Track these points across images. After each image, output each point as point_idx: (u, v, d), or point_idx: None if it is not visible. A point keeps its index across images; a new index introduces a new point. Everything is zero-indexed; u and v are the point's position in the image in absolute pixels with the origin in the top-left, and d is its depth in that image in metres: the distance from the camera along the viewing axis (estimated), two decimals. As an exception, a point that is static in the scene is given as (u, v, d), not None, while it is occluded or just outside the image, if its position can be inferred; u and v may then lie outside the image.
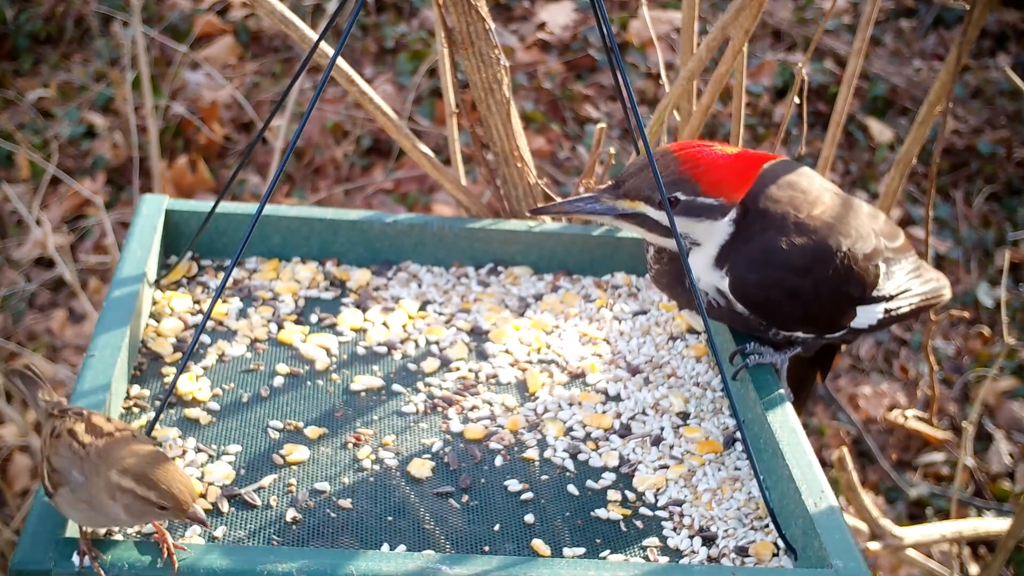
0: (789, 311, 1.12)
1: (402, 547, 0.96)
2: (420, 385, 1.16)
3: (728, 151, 1.10)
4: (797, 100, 1.33)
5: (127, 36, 2.97)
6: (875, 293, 1.15)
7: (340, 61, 1.25)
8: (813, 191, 1.13)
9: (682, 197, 1.08)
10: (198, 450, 1.05)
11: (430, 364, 1.18)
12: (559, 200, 1.13)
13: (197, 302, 1.23)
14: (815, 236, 1.10)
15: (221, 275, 1.28)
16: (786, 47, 3.18)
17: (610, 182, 1.11)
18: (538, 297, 1.30)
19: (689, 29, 1.33)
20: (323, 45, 1.23)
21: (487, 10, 1.25)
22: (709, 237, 1.11)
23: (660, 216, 1.08)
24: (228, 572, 0.85)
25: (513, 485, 1.04)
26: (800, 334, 1.15)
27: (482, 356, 1.21)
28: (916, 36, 3.24)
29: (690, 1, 1.32)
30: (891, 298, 1.17)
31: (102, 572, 0.85)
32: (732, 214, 1.09)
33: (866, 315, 1.16)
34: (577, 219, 1.23)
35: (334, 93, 2.99)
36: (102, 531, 0.89)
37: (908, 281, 1.19)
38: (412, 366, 1.18)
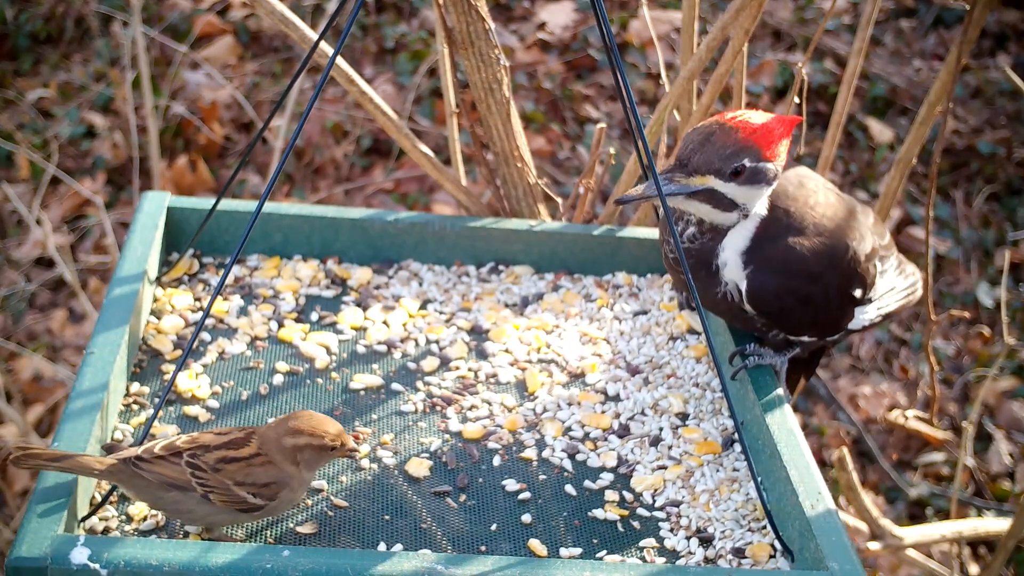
0: (800, 317, 1.12)
1: (399, 546, 0.96)
2: (419, 384, 1.16)
3: (763, 115, 1.07)
4: (797, 100, 1.33)
5: (127, 36, 2.97)
6: (871, 293, 1.15)
7: (340, 61, 1.25)
8: (819, 192, 1.12)
9: (748, 164, 1.06)
10: (197, 449, 1.05)
11: (430, 363, 1.18)
12: (634, 191, 1.07)
13: (198, 299, 1.23)
14: (828, 240, 1.10)
15: (222, 272, 1.28)
16: (786, 47, 3.18)
17: (674, 161, 1.08)
18: (539, 296, 1.30)
19: (689, 29, 1.33)
20: (323, 45, 1.23)
21: (487, 10, 1.25)
22: (754, 201, 1.08)
23: (727, 188, 1.06)
24: (225, 570, 0.85)
25: (511, 485, 1.04)
26: (806, 338, 1.15)
27: (482, 355, 1.21)
28: (916, 36, 3.24)
29: (690, 1, 1.32)
30: (881, 297, 1.17)
31: None
32: (770, 176, 1.07)
33: (862, 316, 1.16)
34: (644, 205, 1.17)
35: (334, 93, 2.99)
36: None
37: (895, 278, 1.19)
38: (412, 365, 1.19)
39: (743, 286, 1.10)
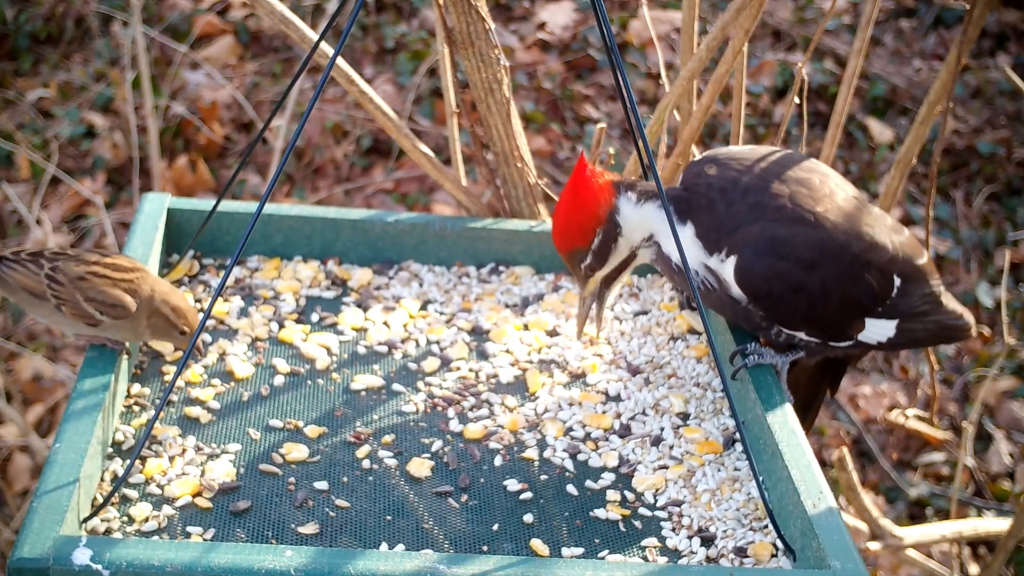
0: (793, 306, 1.10)
1: (401, 546, 0.96)
2: (420, 384, 1.16)
3: (564, 196, 1.12)
4: (797, 100, 1.33)
5: (127, 36, 2.97)
6: (888, 307, 1.13)
7: (340, 61, 1.25)
8: (823, 189, 1.11)
9: (589, 260, 1.13)
10: (198, 448, 1.05)
11: (430, 363, 1.18)
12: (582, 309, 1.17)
13: (199, 300, 1.23)
14: (820, 231, 1.09)
15: (223, 273, 1.28)
16: (786, 47, 3.18)
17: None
18: (539, 297, 1.30)
19: (689, 29, 1.33)
20: (323, 45, 1.23)
21: (487, 10, 1.25)
22: (645, 230, 1.12)
23: (605, 272, 1.13)
24: (226, 570, 0.85)
25: (512, 485, 1.04)
26: (803, 335, 1.14)
27: (483, 356, 1.21)
28: (916, 36, 3.24)
29: (690, 1, 1.32)
30: (908, 317, 1.15)
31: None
32: (629, 211, 1.11)
33: (876, 329, 1.14)
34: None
35: (334, 93, 2.99)
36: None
37: (928, 304, 1.16)
38: (412, 365, 1.19)
39: (724, 269, 1.10)
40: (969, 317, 1.20)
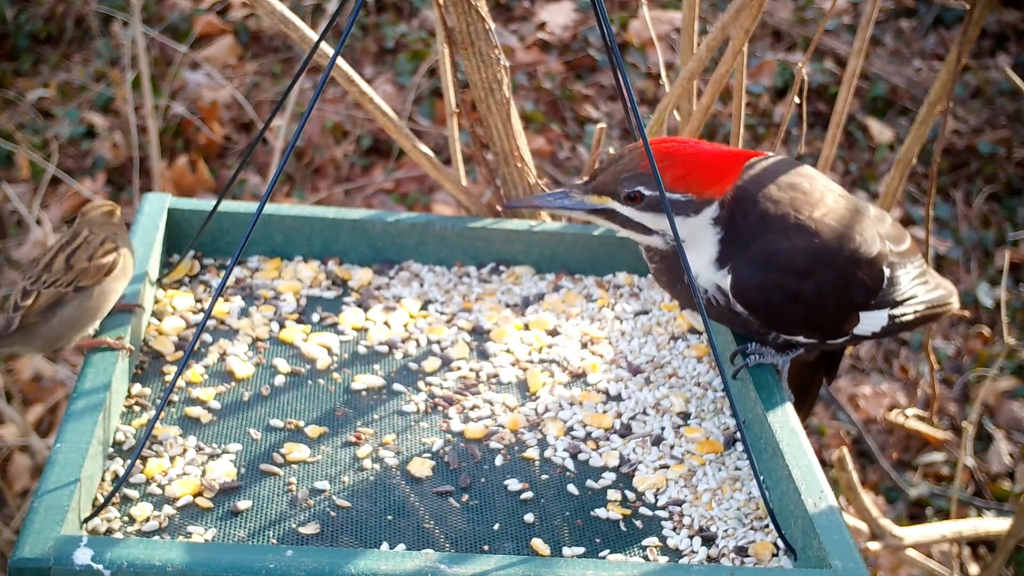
0: (790, 315, 1.10)
1: (401, 546, 0.96)
2: (421, 384, 1.16)
3: (706, 147, 1.07)
4: (797, 100, 1.33)
5: (127, 36, 2.97)
6: (879, 299, 1.13)
7: (340, 61, 1.25)
8: (815, 192, 1.11)
9: (645, 192, 1.05)
10: (199, 448, 1.05)
11: (431, 363, 1.19)
12: (533, 196, 1.10)
13: (199, 300, 1.23)
14: (818, 239, 1.09)
15: (223, 273, 1.28)
16: (786, 47, 3.18)
17: (585, 177, 1.10)
18: (540, 297, 1.30)
19: (689, 29, 1.33)
20: (323, 45, 1.23)
21: (487, 10, 1.25)
22: (691, 234, 1.08)
23: (628, 211, 1.06)
24: (227, 570, 0.85)
25: (513, 484, 1.05)
26: (802, 339, 1.14)
27: (483, 355, 1.21)
28: (916, 36, 3.24)
29: (690, 1, 1.32)
30: (896, 304, 1.15)
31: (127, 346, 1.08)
32: (710, 211, 1.07)
33: (869, 321, 1.14)
34: (557, 215, 1.16)
35: (334, 93, 3.00)
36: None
37: (913, 287, 1.17)
38: (413, 365, 1.19)
39: (727, 283, 1.09)
40: (950, 290, 1.20)
